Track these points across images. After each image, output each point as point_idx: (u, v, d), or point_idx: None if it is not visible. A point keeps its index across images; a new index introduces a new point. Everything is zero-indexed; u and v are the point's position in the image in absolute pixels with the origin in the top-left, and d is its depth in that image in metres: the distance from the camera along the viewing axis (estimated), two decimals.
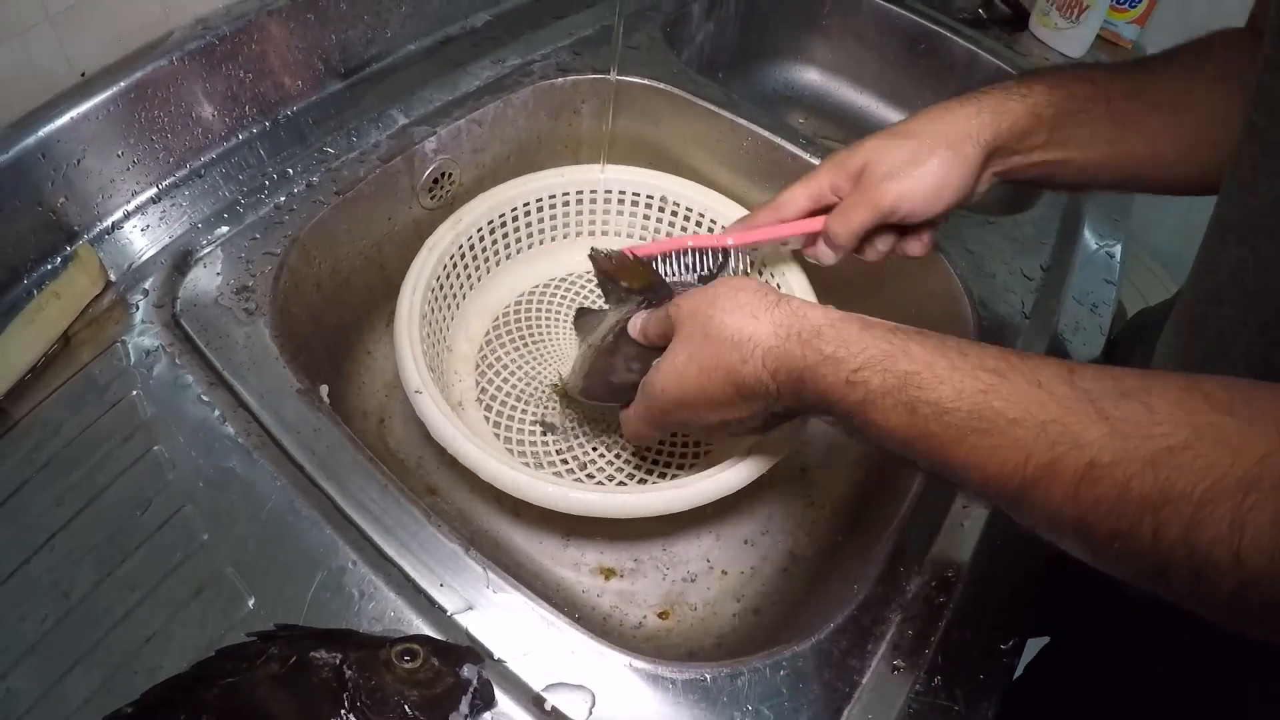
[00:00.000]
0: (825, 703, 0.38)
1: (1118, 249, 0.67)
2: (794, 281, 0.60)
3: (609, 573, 0.57)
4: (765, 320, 0.39)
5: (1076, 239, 0.66)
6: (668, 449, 0.60)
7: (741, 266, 0.59)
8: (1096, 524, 0.28)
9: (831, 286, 0.69)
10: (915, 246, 0.53)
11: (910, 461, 0.36)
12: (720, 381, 0.41)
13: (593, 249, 0.58)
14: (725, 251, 0.57)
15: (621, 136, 0.70)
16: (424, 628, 0.38)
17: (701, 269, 0.57)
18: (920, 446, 0.33)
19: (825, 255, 0.53)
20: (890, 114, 0.97)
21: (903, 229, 0.52)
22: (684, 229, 0.68)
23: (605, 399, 0.51)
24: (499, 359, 0.64)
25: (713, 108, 0.68)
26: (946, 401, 0.32)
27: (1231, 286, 0.38)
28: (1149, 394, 0.28)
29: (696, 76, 0.70)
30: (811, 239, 0.54)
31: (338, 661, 0.33)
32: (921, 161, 0.48)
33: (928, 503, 0.46)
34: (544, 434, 0.60)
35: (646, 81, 0.69)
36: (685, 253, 0.57)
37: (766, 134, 0.67)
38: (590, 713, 0.37)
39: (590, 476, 0.58)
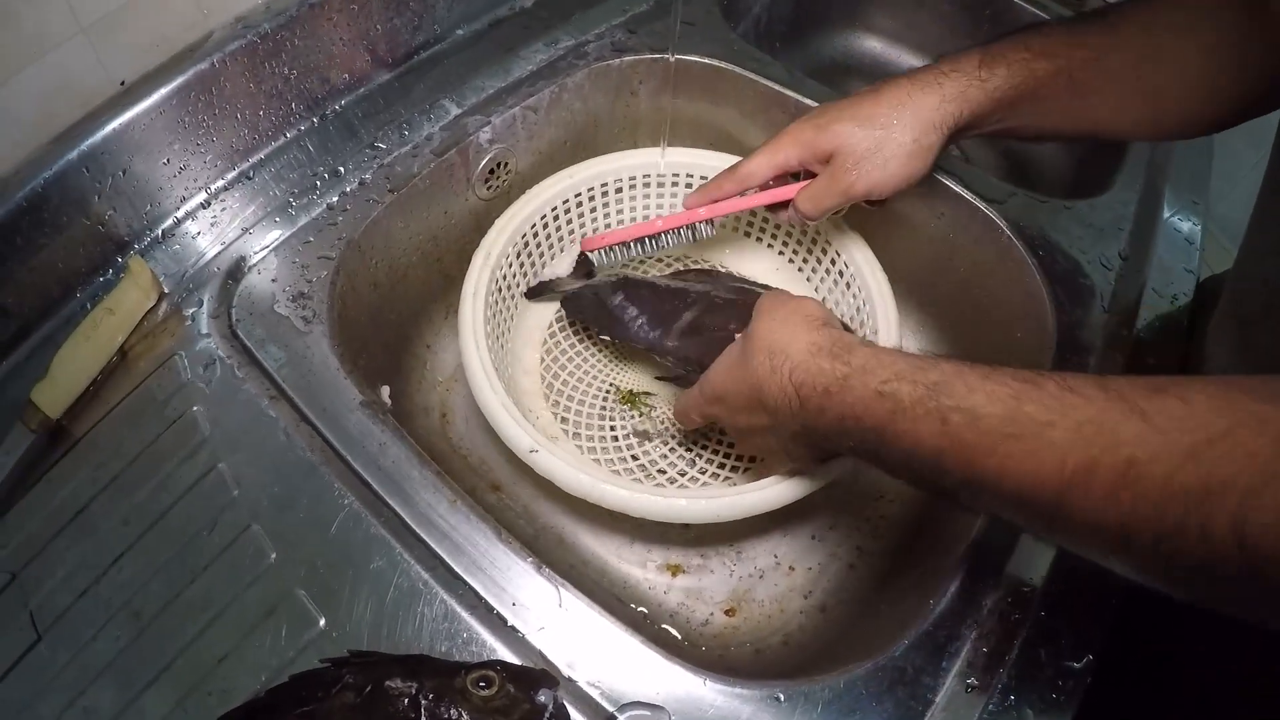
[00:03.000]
0: None
1: (1198, 233, 0.63)
2: (856, 254, 0.59)
3: (675, 569, 0.56)
4: (804, 339, 0.40)
5: (1155, 223, 0.62)
6: (736, 451, 0.59)
7: (709, 232, 0.59)
8: (1140, 525, 0.27)
9: (906, 282, 0.67)
10: (877, 204, 0.55)
11: (936, 486, 0.35)
12: (749, 387, 0.42)
13: (564, 300, 0.60)
14: (693, 225, 0.58)
15: (681, 117, 0.68)
16: (497, 648, 0.37)
17: (681, 240, 0.58)
18: (952, 458, 0.32)
19: (789, 220, 0.55)
20: None
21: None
22: (744, 213, 0.66)
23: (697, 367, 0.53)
24: (563, 351, 0.63)
25: (776, 86, 0.65)
26: (979, 408, 0.32)
27: None
28: (1184, 389, 0.28)
29: (758, 53, 0.67)
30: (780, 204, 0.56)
31: (413, 691, 0.32)
32: (889, 153, 0.50)
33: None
34: (611, 428, 0.59)
35: (705, 60, 0.66)
36: (659, 235, 0.58)
37: None
38: None
39: (662, 473, 0.57)
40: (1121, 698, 0.48)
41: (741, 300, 0.55)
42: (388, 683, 0.32)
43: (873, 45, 0.96)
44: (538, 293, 0.63)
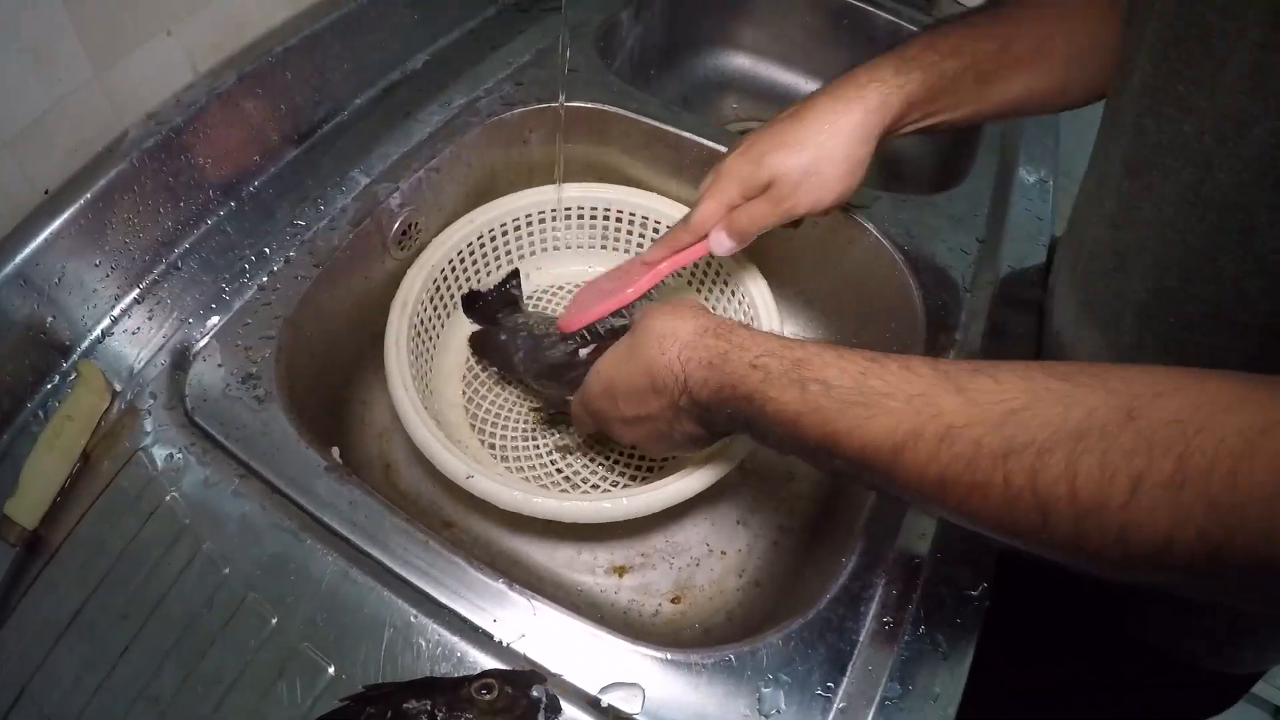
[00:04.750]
0: (832, 662, 0.44)
1: (1048, 209, 0.72)
2: (736, 266, 0.66)
3: (621, 570, 0.62)
4: (691, 323, 0.44)
5: (1007, 206, 0.71)
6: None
7: (669, 282, 0.63)
8: (955, 479, 0.32)
9: (792, 285, 0.74)
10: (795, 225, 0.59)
11: (798, 447, 0.39)
12: (638, 372, 0.46)
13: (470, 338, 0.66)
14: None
15: (571, 156, 0.73)
16: (489, 660, 0.42)
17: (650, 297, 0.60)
18: (809, 420, 0.37)
19: (724, 247, 0.57)
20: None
21: None
22: (641, 236, 0.73)
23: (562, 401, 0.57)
24: (482, 383, 0.69)
25: (655, 123, 0.72)
26: (832, 380, 0.37)
27: (1127, 214, 0.44)
28: (997, 369, 0.33)
29: (637, 93, 0.74)
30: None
31: (429, 708, 0.37)
32: (825, 173, 0.53)
33: None
34: (536, 448, 0.65)
35: (589, 105, 0.72)
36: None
37: (709, 143, 0.71)
38: (643, 704, 0.42)
39: (585, 481, 0.64)
40: (1020, 609, 0.55)
41: (609, 338, 0.57)
42: (405, 705, 0.37)
43: (742, 62, 1.05)
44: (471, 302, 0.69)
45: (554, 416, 0.66)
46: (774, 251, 0.70)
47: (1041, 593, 0.60)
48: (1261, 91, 0.34)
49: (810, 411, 0.37)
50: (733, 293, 0.68)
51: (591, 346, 0.57)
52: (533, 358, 0.61)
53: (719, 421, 0.44)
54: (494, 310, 0.69)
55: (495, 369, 0.69)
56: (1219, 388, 0.28)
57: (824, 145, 0.53)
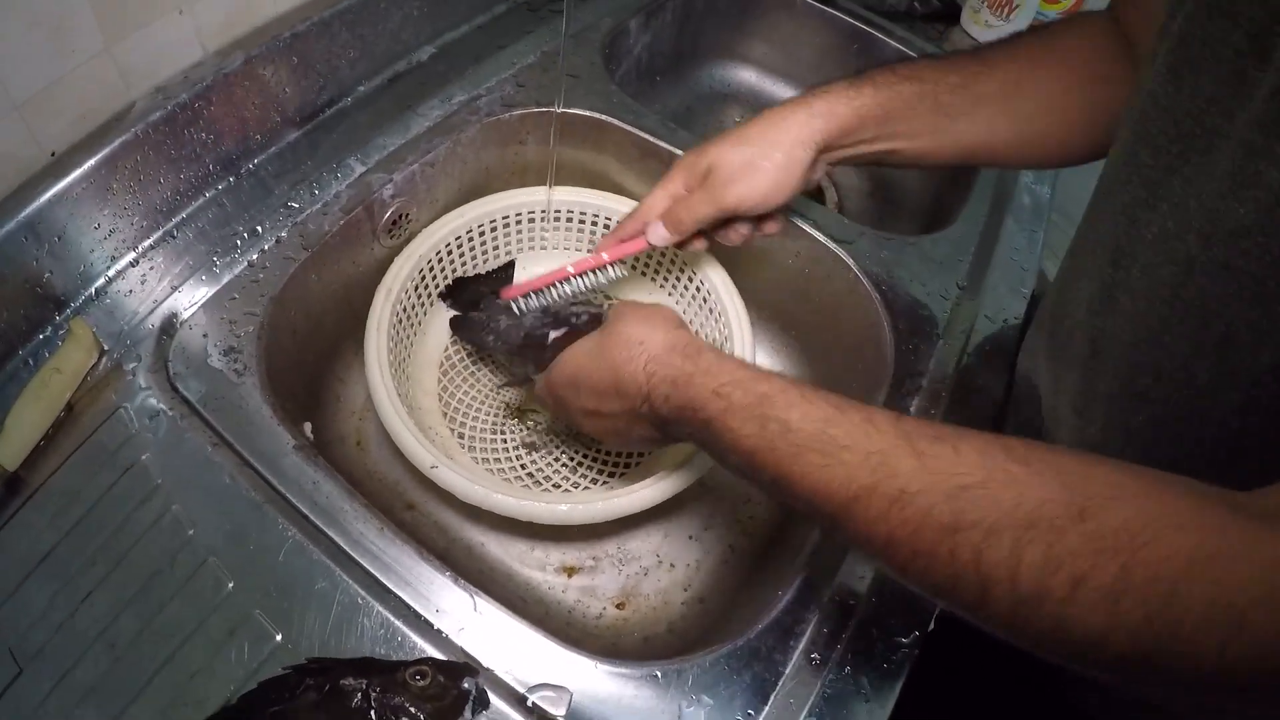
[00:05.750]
0: (755, 690, 0.46)
1: (1034, 260, 0.72)
2: (717, 281, 0.68)
3: (571, 570, 0.65)
4: (663, 336, 0.46)
5: (991, 254, 0.72)
6: (614, 458, 0.68)
7: (619, 273, 0.64)
8: (902, 542, 0.32)
9: (769, 310, 0.76)
10: (771, 227, 0.60)
11: (751, 478, 0.40)
12: (604, 372, 0.47)
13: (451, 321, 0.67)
14: (603, 267, 0.62)
15: (565, 161, 0.75)
16: (426, 648, 0.45)
17: (599, 282, 0.63)
18: (763, 458, 0.38)
19: (659, 236, 0.58)
20: None
21: (756, 218, 0.59)
22: None
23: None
24: (459, 373, 0.71)
25: (649, 138, 0.74)
26: (793, 422, 0.37)
27: (1107, 304, 0.44)
28: (959, 439, 0.33)
29: (635, 105, 0.75)
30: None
31: (364, 686, 0.40)
32: (758, 167, 0.54)
33: None
34: (504, 442, 0.67)
35: (587, 113, 0.74)
36: (568, 280, 0.62)
37: None
38: (569, 707, 0.44)
39: (548, 479, 0.66)
40: (951, 661, 0.56)
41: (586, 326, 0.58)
42: (342, 681, 0.40)
43: (749, 75, 1.06)
44: (454, 292, 0.71)
45: (521, 410, 0.69)
46: (758, 277, 0.72)
47: (979, 651, 0.61)
48: (1246, 197, 0.33)
49: (766, 449, 0.38)
50: (710, 309, 0.70)
51: (562, 330, 0.58)
52: (505, 335, 0.63)
53: (678, 435, 0.45)
54: (478, 297, 0.70)
55: (471, 346, 0.71)
56: (1174, 502, 0.28)
57: (764, 143, 0.54)
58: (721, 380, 0.41)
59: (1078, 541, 0.28)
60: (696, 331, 0.73)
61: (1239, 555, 0.26)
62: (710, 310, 0.70)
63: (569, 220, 0.75)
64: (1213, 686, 0.27)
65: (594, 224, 0.75)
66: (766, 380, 0.40)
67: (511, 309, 0.64)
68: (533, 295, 0.63)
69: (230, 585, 0.45)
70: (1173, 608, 0.26)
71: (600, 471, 0.67)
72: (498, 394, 0.71)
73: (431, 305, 0.71)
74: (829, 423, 0.36)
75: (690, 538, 0.67)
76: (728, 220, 0.58)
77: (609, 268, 0.63)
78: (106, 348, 0.53)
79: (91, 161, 0.53)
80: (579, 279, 0.63)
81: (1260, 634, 0.25)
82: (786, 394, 0.39)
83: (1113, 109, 0.48)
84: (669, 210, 0.57)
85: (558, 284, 0.62)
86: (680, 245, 0.60)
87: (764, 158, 0.54)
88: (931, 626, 0.49)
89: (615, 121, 0.75)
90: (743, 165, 0.54)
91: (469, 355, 0.73)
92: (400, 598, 0.46)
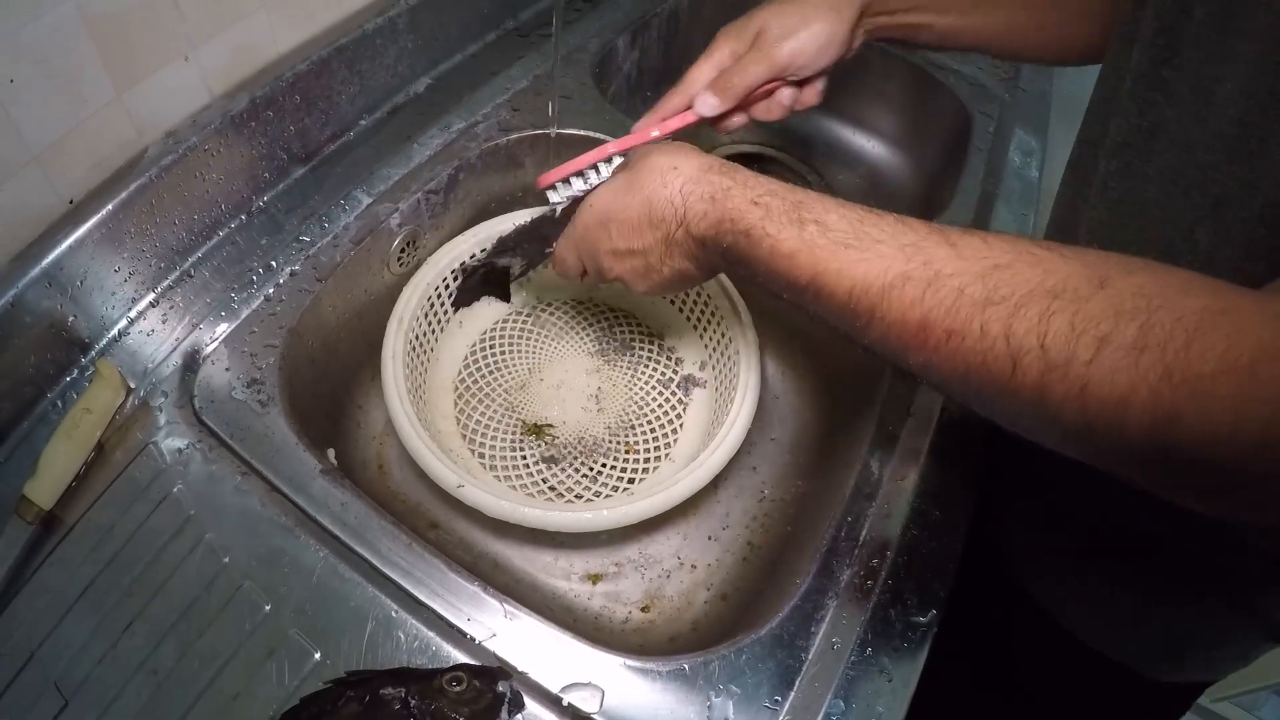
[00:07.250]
0: (781, 678, 0.47)
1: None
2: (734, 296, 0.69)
3: (595, 578, 0.66)
4: (695, 160, 0.46)
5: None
6: (633, 463, 0.69)
7: None
8: (936, 323, 0.34)
9: (772, 304, 0.78)
10: (811, 95, 0.60)
11: (789, 286, 0.41)
12: (637, 204, 0.47)
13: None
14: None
15: None
16: (460, 656, 0.46)
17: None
18: (802, 258, 0.39)
19: (709, 105, 0.56)
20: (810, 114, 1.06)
21: (799, 83, 0.59)
22: None
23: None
24: (474, 394, 0.73)
25: None
26: (831, 223, 0.39)
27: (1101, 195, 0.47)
28: (988, 234, 0.36)
29: (628, 121, 0.77)
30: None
31: (403, 694, 0.41)
32: (810, 23, 0.55)
33: (858, 502, 0.56)
34: (523, 458, 0.69)
35: (581, 132, 0.76)
36: (610, 161, 0.56)
37: None
38: (601, 704, 0.46)
39: (570, 490, 0.67)
40: (968, 638, 0.58)
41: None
42: (382, 691, 0.41)
43: None
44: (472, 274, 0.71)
45: (538, 427, 0.70)
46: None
47: (993, 613, 0.63)
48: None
49: (805, 250, 0.39)
50: (712, 312, 0.72)
51: (568, 201, 0.56)
52: (515, 239, 0.63)
53: (712, 258, 0.45)
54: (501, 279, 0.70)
55: (487, 292, 0.72)
56: (1183, 276, 0.31)
57: (810, 2, 0.56)
58: (759, 191, 0.43)
59: (1099, 307, 0.30)
60: (699, 330, 0.74)
61: (1249, 312, 0.28)
62: (709, 307, 0.72)
63: None
64: (1229, 466, 0.28)
65: None
66: (802, 190, 0.42)
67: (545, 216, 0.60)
68: (570, 181, 0.56)
69: (267, 608, 0.46)
70: (1189, 361, 0.28)
71: (619, 480, 0.68)
72: (513, 413, 0.72)
73: (443, 331, 0.73)
74: (864, 221, 0.39)
75: (710, 538, 0.69)
76: (770, 91, 0.58)
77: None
78: (133, 386, 0.55)
79: (109, 207, 0.55)
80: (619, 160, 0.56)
81: (1271, 387, 0.27)
82: (823, 200, 0.41)
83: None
84: (719, 79, 0.56)
85: (599, 166, 0.56)
86: (718, 123, 0.59)
87: (814, 14, 0.55)
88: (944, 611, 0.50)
89: (609, 138, 0.76)
90: (795, 21, 0.55)
91: (484, 376, 0.74)
92: (432, 609, 0.48)
